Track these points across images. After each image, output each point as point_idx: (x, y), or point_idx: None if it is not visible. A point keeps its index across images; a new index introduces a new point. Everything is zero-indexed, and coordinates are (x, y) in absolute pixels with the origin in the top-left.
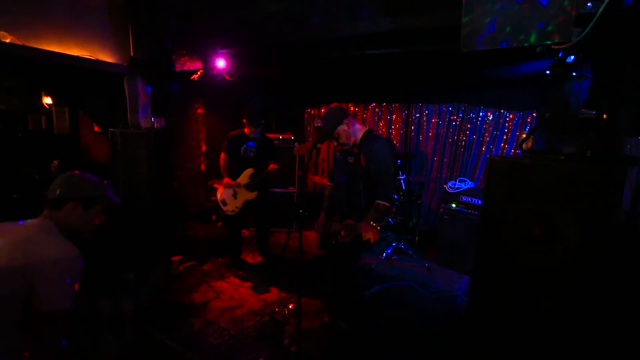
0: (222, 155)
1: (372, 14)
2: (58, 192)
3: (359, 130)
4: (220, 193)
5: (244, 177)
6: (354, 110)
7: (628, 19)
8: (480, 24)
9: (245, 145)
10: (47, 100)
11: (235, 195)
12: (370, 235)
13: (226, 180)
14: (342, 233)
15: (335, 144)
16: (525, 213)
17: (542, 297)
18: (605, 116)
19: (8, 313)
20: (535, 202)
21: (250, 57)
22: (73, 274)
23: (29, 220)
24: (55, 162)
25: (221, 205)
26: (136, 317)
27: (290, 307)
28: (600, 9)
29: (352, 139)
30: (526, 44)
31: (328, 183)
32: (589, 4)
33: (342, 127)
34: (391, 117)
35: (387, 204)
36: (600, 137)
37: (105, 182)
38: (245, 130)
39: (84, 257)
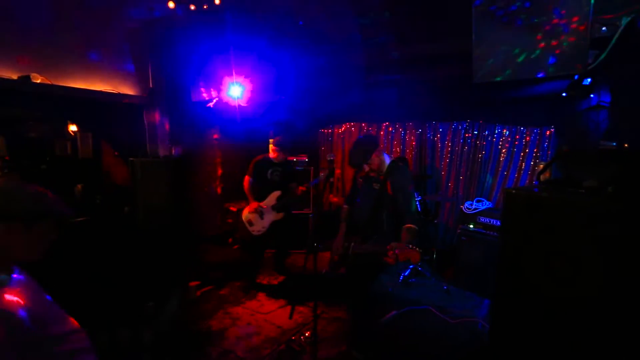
0: (247, 178)
1: (385, 42)
2: None
3: (386, 158)
4: (246, 214)
5: (271, 199)
6: (367, 129)
7: None
8: (491, 56)
9: (271, 170)
10: (73, 127)
11: (262, 216)
12: (411, 256)
13: (254, 203)
14: (390, 254)
15: (355, 170)
16: (545, 247)
17: (566, 328)
18: (626, 146)
19: None
20: (555, 236)
21: (263, 85)
22: None
23: None
24: (79, 185)
25: (247, 225)
26: (155, 346)
27: (307, 334)
28: (617, 34)
29: (379, 166)
30: (540, 75)
31: (344, 206)
32: (604, 29)
33: (376, 155)
34: (405, 136)
35: (416, 227)
36: (623, 170)
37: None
38: (270, 155)
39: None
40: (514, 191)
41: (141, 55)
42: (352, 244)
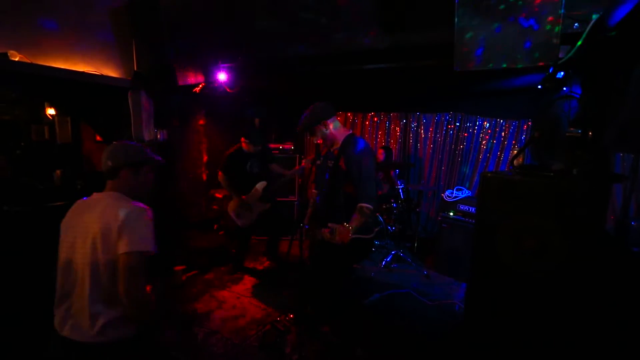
0: (220, 174)
1: (369, 32)
2: (110, 163)
3: (341, 133)
4: (233, 207)
5: (256, 190)
6: (353, 119)
7: (612, 39)
8: (472, 46)
9: (249, 162)
10: (51, 111)
11: (249, 208)
12: (344, 237)
13: (239, 198)
14: (325, 231)
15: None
16: (517, 226)
17: (535, 303)
18: (590, 134)
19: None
20: (526, 216)
21: (251, 70)
22: (146, 221)
23: (98, 194)
24: (58, 171)
25: (235, 218)
26: (140, 328)
27: (290, 316)
28: (587, 30)
29: (330, 141)
30: (518, 65)
31: (314, 190)
32: (576, 25)
33: (320, 127)
34: (390, 126)
35: (370, 206)
36: (587, 154)
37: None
38: (244, 146)
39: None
40: (489, 175)
41: (125, 37)
42: (315, 229)
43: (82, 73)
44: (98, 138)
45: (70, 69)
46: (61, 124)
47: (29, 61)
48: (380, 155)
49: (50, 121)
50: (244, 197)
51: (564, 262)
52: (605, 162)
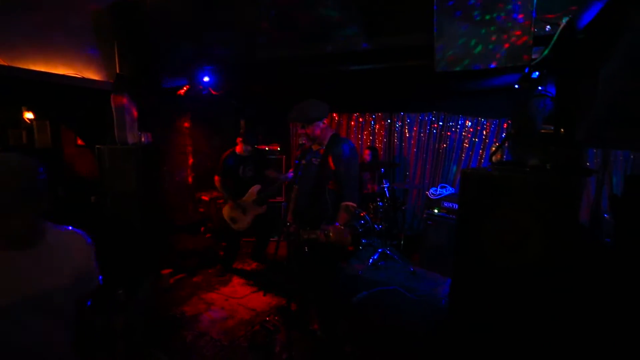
0: (217, 178)
1: (354, 33)
2: None
3: (327, 133)
4: (228, 211)
5: (251, 194)
6: (339, 120)
7: (581, 41)
8: (451, 48)
9: (242, 166)
10: (29, 115)
11: (244, 212)
12: (344, 241)
13: (232, 202)
14: (320, 234)
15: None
16: (497, 221)
17: (516, 296)
18: (562, 130)
19: None
20: (505, 210)
21: (235, 73)
22: None
23: None
24: None
25: (230, 223)
26: (127, 332)
27: (279, 315)
28: (557, 32)
29: (319, 139)
30: (492, 66)
31: (294, 186)
32: (548, 27)
33: (319, 124)
34: (374, 126)
35: (354, 204)
36: (560, 150)
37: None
38: (237, 148)
39: None
40: (468, 171)
41: (107, 39)
42: (301, 231)
43: (62, 76)
44: (79, 142)
45: (50, 72)
46: (40, 128)
47: (6, 64)
48: (367, 155)
49: (29, 125)
50: (238, 200)
51: (541, 255)
52: (577, 157)
